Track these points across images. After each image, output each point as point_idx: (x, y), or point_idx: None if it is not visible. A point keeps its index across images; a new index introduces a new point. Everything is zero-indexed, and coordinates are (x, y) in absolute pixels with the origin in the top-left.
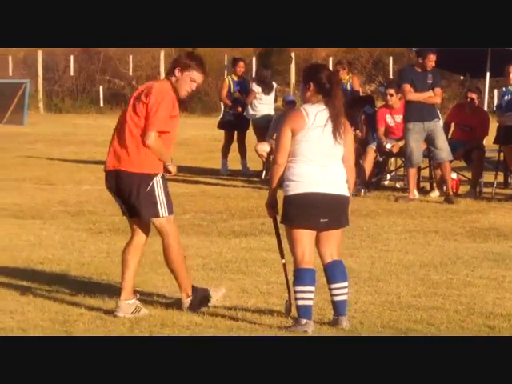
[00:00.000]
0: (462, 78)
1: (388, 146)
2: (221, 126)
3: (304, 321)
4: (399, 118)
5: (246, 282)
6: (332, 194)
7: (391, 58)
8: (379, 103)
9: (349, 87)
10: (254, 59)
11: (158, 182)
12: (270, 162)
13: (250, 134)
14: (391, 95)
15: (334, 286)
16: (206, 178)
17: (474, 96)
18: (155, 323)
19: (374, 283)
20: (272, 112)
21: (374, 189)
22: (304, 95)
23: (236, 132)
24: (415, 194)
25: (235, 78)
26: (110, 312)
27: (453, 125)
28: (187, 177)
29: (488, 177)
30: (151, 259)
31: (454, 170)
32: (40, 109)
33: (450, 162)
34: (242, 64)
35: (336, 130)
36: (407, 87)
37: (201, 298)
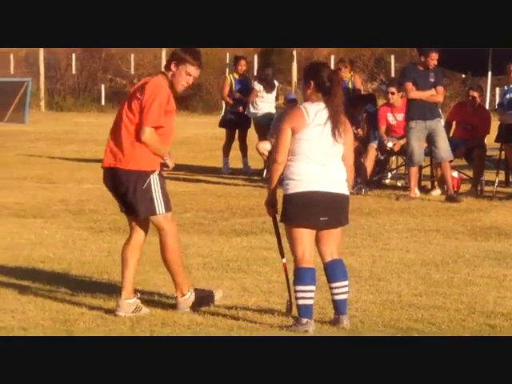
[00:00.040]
0: (463, 76)
1: (389, 144)
2: (222, 124)
3: (305, 320)
4: (400, 116)
5: (247, 280)
6: (332, 193)
7: (393, 57)
8: (381, 101)
9: (350, 85)
10: (255, 57)
11: (154, 179)
12: None
13: (252, 133)
14: (393, 93)
15: (334, 284)
16: (207, 177)
17: (476, 94)
18: (156, 322)
19: (374, 282)
20: (273, 110)
21: (375, 187)
22: (304, 93)
23: (237, 130)
24: (416, 192)
25: (237, 77)
26: (111, 311)
27: (454, 123)
28: (188, 175)
29: (489, 175)
30: (152, 258)
31: (455, 168)
32: (41, 107)
33: (451, 161)
34: (243, 62)
35: (335, 128)
36: (409, 85)
37: (202, 298)
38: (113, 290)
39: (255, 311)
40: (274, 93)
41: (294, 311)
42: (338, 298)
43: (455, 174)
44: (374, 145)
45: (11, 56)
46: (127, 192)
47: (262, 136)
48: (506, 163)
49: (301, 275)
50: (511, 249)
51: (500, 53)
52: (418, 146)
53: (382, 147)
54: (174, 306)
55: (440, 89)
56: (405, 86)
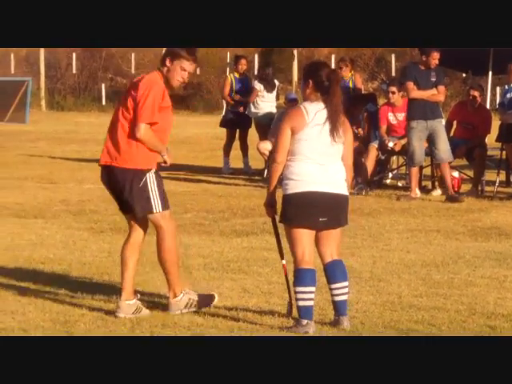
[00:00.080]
0: (464, 75)
1: (390, 144)
2: (223, 124)
3: (305, 321)
4: (401, 115)
5: (248, 281)
6: (331, 193)
7: (393, 56)
8: (381, 101)
9: (351, 85)
10: (256, 57)
11: (151, 177)
12: None
13: (252, 133)
14: (393, 93)
15: (334, 285)
16: (208, 177)
17: (477, 94)
18: (156, 323)
19: (375, 283)
20: (274, 110)
21: (376, 187)
22: (303, 93)
23: (238, 130)
24: (417, 192)
25: (237, 76)
26: (111, 312)
27: (455, 123)
28: (189, 175)
29: (490, 175)
30: (152, 259)
31: (455, 168)
32: (42, 107)
33: (450, 162)
34: (244, 61)
35: (334, 128)
36: (410, 85)
37: (202, 299)
38: (113, 291)
39: (255, 312)
40: (275, 92)
41: (295, 312)
42: (338, 299)
43: (456, 173)
44: (374, 144)
45: (12, 55)
46: (123, 190)
47: (263, 136)
48: (507, 163)
49: (301, 276)
50: None
51: (501, 52)
52: (419, 146)
53: (382, 147)
54: (165, 308)
55: (441, 88)
56: (406, 85)
